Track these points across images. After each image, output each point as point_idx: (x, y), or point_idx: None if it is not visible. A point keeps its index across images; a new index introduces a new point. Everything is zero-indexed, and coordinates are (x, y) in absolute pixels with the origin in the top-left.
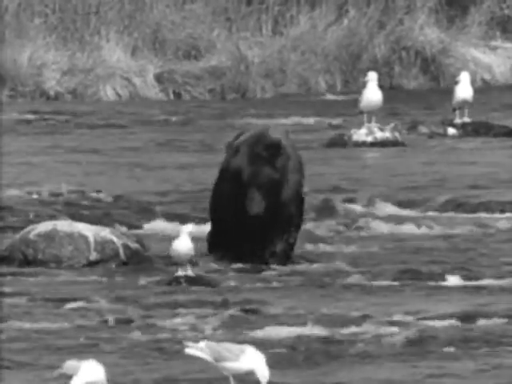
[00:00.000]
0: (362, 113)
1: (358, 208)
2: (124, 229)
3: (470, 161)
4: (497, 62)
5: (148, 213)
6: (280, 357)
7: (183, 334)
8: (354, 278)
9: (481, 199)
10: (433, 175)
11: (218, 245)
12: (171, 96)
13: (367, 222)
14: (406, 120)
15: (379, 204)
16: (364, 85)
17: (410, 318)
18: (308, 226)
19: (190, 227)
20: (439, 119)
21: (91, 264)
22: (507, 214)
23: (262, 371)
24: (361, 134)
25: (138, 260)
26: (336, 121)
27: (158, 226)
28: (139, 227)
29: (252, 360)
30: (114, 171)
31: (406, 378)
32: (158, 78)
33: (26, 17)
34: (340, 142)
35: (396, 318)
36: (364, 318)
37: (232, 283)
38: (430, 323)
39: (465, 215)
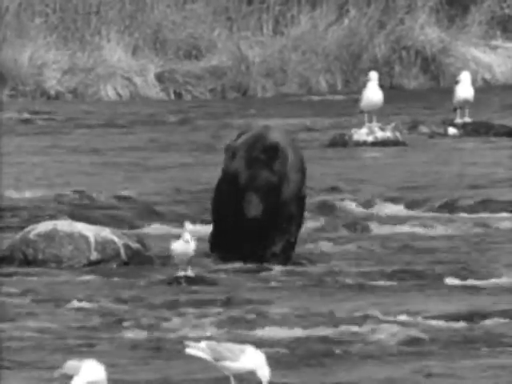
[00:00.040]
0: (362, 112)
1: (358, 208)
2: (125, 229)
3: (470, 160)
4: (497, 61)
5: (149, 213)
6: (280, 357)
7: (184, 333)
8: (355, 278)
9: (481, 199)
10: (433, 175)
11: (220, 245)
12: (172, 96)
13: (368, 221)
14: (406, 120)
15: (380, 204)
16: (364, 84)
17: (410, 318)
18: (309, 225)
19: (190, 228)
20: (440, 119)
21: (92, 264)
22: (508, 214)
23: (263, 371)
24: (362, 134)
25: (138, 260)
26: (337, 120)
27: (159, 225)
28: (140, 227)
29: (252, 360)
30: (114, 171)
31: (406, 378)
32: (159, 78)
33: (27, 16)
34: (341, 142)
35: (396, 317)
36: (364, 317)
37: (233, 283)
38: (431, 323)
39: (465, 215)
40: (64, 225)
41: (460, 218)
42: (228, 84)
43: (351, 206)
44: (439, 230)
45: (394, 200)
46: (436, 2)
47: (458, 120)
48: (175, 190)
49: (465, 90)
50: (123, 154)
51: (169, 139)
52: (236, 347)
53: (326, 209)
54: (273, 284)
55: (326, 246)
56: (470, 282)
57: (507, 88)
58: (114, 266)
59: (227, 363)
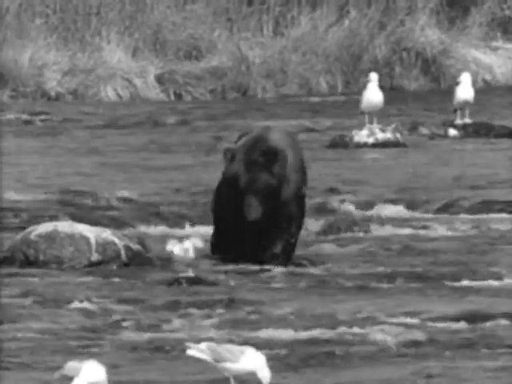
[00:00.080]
0: (362, 113)
1: (358, 209)
2: (125, 230)
3: (470, 162)
4: (498, 62)
5: (149, 214)
6: (281, 358)
7: (184, 335)
8: (355, 279)
9: (481, 200)
10: (434, 176)
11: (220, 246)
12: (172, 97)
13: (368, 222)
14: (406, 121)
15: (380, 205)
16: (365, 86)
17: (410, 320)
18: (309, 226)
19: (194, 242)
20: (440, 120)
21: (92, 265)
22: (508, 215)
23: (263, 372)
24: (362, 135)
25: (139, 261)
26: (337, 121)
27: (159, 226)
28: (140, 228)
29: (253, 361)
30: (114, 172)
31: (407, 379)
32: (159, 79)
33: (27, 17)
34: (341, 143)
35: (397, 319)
36: (365, 319)
37: (233, 284)
38: (431, 324)
39: (466, 216)
40: (65, 226)
41: (460, 219)
42: (228, 85)
43: (351, 207)
44: (439, 231)
45: (394, 201)
46: (436, 3)
47: (459, 121)
48: (175, 191)
49: (465, 91)
50: (123, 155)
51: (169, 140)
52: (236, 348)
53: (326, 210)
54: (273, 285)
55: (326, 247)
56: (471, 283)
57: (508, 89)
58: (115, 267)
59: (227, 364)
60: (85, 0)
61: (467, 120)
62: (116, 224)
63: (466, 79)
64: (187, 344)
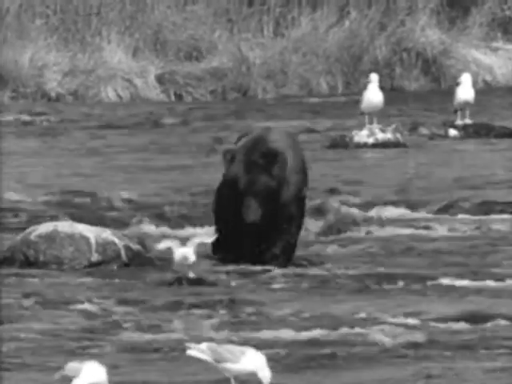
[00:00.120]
0: (363, 114)
1: (359, 209)
2: (125, 230)
3: (471, 162)
4: (498, 63)
5: (149, 214)
6: (281, 358)
7: (184, 335)
8: (355, 280)
9: (482, 200)
10: (434, 176)
11: (221, 246)
12: (172, 97)
13: (368, 223)
14: (407, 121)
15: (380, 205)
16: (365, 86)
17: (411, 320)
18: (309, 227)
19: (195, 241)
20: (440, 120)
21: (92, 265)
22: (508, 216)
23: (264, 373)
24: (362, 136)
25: (139, 261)
26: (337, 122)
27: (160, 227)
28: (140, 228)
29: (253, 362)
30: (115, 172)
31: (407, 380)
32: (159, 79)
33: (27, 18)
34: (341, 143)
35: (397, 319)
36: (365, 319)
37: (233, 285)
38: (431, 325)
39: (466, 216)
40: (65, 226)
41: (461, 220)
42: (228, 85)
43: (352, 207)
44: (440, 231)
45: (394, 201)
46: (437, 3)
47: (459, 122)
48: (176, 192)
49: (465, 91)
50: (124, 155)
51: (169, 141)
52: (237, 349)
53: (326, 210)
54: (273, 286)
55: (326, 248)
56: (471, 283)
57: (508, 90)
58: (115, 267)
59: (228, 365)
60: (85, 0)
61: (467, 120)
62: (116, 224)
63: (466, 80)
64: (188, 344)
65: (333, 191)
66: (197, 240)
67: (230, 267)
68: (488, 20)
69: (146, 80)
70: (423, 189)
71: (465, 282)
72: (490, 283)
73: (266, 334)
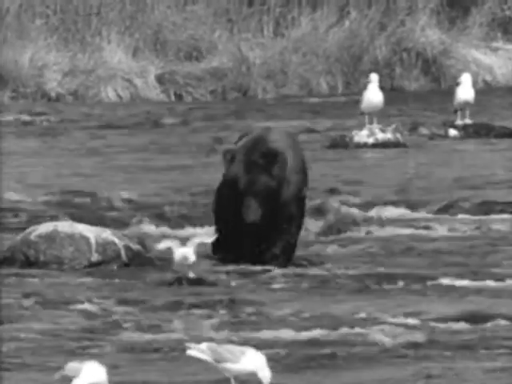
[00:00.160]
0: (363, 114)
1: (359, 209)
2: (125, 230)
3: (470, 162)
4: (498, 63)
5: (149, 214)
6: (281, 358)
7: (184, 335)
8: (356, 280)
9: (482, 200)
10: (434, 176)
11: (221, 246)
12: (172, 97)
13: (368, 223)
14: (407, 121)
15: (380, 205)
16: (365, 86)
17: (411, 320)
18: (309, 227)
19: (196, 241)
20: (440, 120)
21: (92, 265)
22: (508, 216)
23: (264, 373)
24: (362, 136)
25: (139, 261)
26: (337, 122)
27: (160, 227)
28: (140, 228)
29: (253, 362)
30: (115, 172)
31: (407, 380)
32: (159, 79)
33: (27, 18)
34: (341, 143)
35: (397, 319)
36: (365, 319)
37: (233, 285)
38: (431, 325)
39: (466, 216)
40: (65, 226)
41: (461, 220)
42: (228, 85)
43: (352, 207)
44: (440, 231)
45: (394, 202)
46: (437, 3)
47: (459, 122)
48: (176, 192)
49: (465, 91)
50: (124, 155)
51: (169, 141)
52: (237, 349)
53: (326, 210)
54: (273, 286)
55: (326, 248)
56: (471, 283)
57: (508, 90)
58: (115, 267)
59: (228, 365)
60: (85, 0)
61: (467, 120)
62: (116, 224)
63: (466, 80)
64: (188, 344)
65: (333, 191)
66: (197, 240)
67: (230, 267)
68: (488, 20)
69: (146, 80)
70: (423, 189)
71: (465, 282)
72: (490, 283)
73: (266, 334)
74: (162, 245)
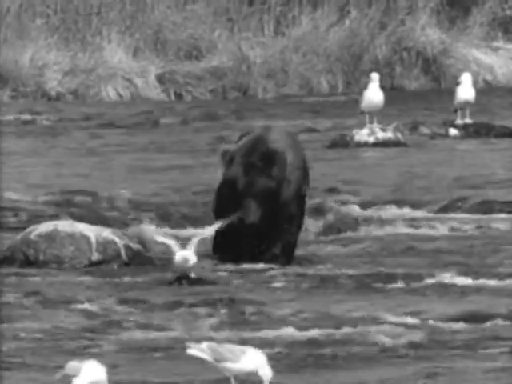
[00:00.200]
0: (363, 113)
1: (359, 208)
2: (125, 229)
3: (471, 162)
4: (498, 62)
5: (149, 214)
6: (281, 358)
7: (184, 334)
8: (356, 279)
9: (482, 200)
10: (434, 176)
11: (221, 246)
12: (172, 97)
13: (369, 222)
14: (407, 121)
15: (380, 204)
16: (365, 85)
17: (411, 320)
18: (309, 226)
19: (195, 241)
20: (441, 120)
21: (93, 264)
22: (508, 215)
23: (264, 372)
24: (363, 135)
25: (139, 261)
26: (338, 121)
27: (160, 227)
28: (140, 228)
29: (253, 361)
30: (115, 172)
31: (407, 380)
32: (160, 79)
33: (28, 17)
34: (342, 143)
35: (397, 319)
36: (365, 319)
37: (233, 284)
38: (432, 325)
39: (466, 215)
40: (65, 225)
41: (461, 219)
42: (229, 85)
43: (352, 206)
44: (440, 231)
45: (394, 201)
46: (437, 3)
47: (459, 121)
48: (176, 192)
49: (466, 91)
50: (124, 154)
51: (169, 140)
52: (237, 348)
53: (326, 210)
54: (274, 285)
55: (326, 247)
56: (471, 283)
57: (508, 90)
58: (115, 266)
59: (228, 364)
60: (85, 0)
61: (468, 120)
62: (116, 223)
63: (466, 79)
64: (188, 344)
65: (333, 191)
66: (196, 239)
67: (230, 266)
68: (488, 19)
69: (146, 79)
70: (423, 188)
71: (465, 282)
72: (490, 283)
73: (266, 334)
74: (162, 245)
